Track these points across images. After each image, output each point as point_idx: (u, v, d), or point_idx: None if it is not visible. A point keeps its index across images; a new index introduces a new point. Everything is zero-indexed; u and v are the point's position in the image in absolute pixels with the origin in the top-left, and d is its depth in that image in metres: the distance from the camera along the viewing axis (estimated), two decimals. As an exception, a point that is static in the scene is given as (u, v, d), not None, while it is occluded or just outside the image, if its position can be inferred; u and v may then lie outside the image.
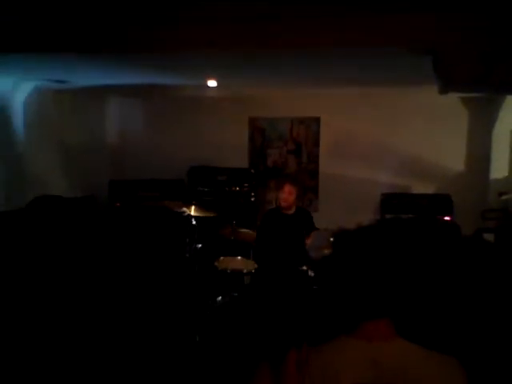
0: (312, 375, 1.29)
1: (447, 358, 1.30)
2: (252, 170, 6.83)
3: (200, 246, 4.91)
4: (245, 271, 4.49)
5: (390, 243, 1.38)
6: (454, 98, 5.93)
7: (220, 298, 4.50)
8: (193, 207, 4.80)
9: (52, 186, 5.73)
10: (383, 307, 1.33)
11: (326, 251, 3.82)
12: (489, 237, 5.02)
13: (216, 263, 4.56)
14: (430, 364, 1.28)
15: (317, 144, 6.93)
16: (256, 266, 4.50)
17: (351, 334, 1.34)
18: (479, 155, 6.11)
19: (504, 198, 5.44)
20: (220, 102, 6.77)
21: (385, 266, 1.33)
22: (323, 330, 2.13)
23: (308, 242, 4.39)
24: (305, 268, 4.25)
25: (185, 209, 4.81)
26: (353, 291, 1.33)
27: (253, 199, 6.52)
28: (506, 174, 5.69)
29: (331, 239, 4.27)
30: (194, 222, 4.79)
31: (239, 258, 4.74)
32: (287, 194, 4.60)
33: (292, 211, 4.70)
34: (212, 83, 5.49)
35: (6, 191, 5.33)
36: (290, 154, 7.07)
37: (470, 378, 1.27)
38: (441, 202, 6.00)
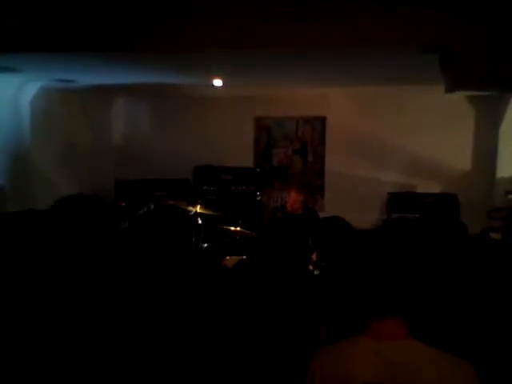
0: (324, 374, 1.29)
1: (460, 360, 1.29)
2: (257, 170, 6.82)
3: (206, 245, 4.91)
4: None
5: (397, 243, 1.38)
6: (460, 96, 5.89)
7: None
8: (198, 206, 4.80)
9: (59, 186, 5.74)
10: (393, 306, 1.33)
11: None
12: (495, 236, 4.99)
13: (222, 263, 4.55)
14: (442, 365, 1.27)
15: (322, 143, 6.92)
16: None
17: (363, 333, 1.34)
18: (486, 154, 6.07)
19: (511, 197, 5.41)
20: (225, 101, 6.76)
21: (393, 265, 1.33)
22: (333, 329, 2.13)
23: None
24: (310, 268, 4.23)
25: (191, 208, 4.81)
26: (363, 289, 1.34)
27: (258, 198, 6.52)
28: (513, 173, 5.66)
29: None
30: (199, 222, 4.79)
31: (245, 257, 4.73)
32: (293, 202, 4.60)
33: (299, 212, 4.70)
34: (218, 82, 5.49)
35: (12, 191, 5.35)
36: (296, 153, 7.06)
37: (483, 380, 1.26)
38: (447, 201, 5.97)
